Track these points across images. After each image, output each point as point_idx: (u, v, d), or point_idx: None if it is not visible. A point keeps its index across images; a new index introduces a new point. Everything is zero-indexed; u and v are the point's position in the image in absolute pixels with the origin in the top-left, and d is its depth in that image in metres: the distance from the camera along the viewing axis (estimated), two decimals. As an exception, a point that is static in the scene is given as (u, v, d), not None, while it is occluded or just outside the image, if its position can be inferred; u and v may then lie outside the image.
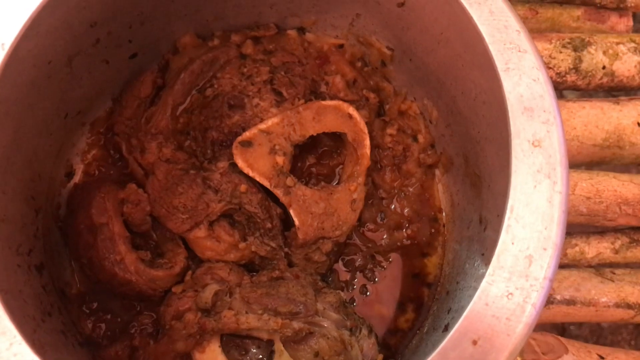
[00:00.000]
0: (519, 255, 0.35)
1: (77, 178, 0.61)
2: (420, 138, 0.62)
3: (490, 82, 0.43)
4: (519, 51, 0.38)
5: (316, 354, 0.52)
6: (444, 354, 0.34)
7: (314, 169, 0.63)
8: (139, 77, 0.61)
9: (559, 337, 0.65)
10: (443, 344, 0.34)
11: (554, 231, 0.36)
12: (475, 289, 0.45)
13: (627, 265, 0.69)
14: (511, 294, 0.35)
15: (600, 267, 0.69)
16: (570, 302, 0.66)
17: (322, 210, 0.58)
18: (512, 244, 0.35)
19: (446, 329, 0.52)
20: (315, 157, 0.63)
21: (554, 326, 0.67)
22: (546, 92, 0.38)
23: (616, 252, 0.69)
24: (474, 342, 0.34)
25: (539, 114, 0.37)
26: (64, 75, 0.52)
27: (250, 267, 0.59)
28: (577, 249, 0.69)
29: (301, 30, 0.63)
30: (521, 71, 0.38)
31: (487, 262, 0.46)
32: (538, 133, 0.37)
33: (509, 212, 0.36)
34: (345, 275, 0.62)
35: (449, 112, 0.57)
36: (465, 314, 0.35)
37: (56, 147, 0.57)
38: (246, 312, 0.54)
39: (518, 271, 0.35)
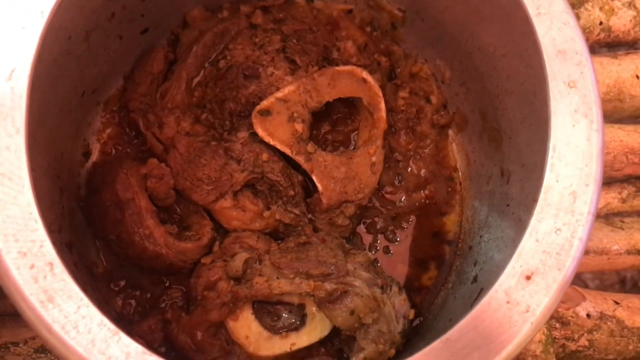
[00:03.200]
0: (564, 192, 0.37)
1: (94, 157, 0.60)
2: (433, 99, 0.63)
3: (515, 31, 0.44)
4: (549, -4, 0.39)
5: (352, 312, 0.53)
6: (499, 288, 0.35)
7: (329, 136, 0.64)
8: (150, 53, 0.60)
9: (576, 287, 0.67)
10: (499, 280, 0.35)
11: (594, 168, 0.37)
12: (505, 239, 0.46)
13: (635, 213, 0.71)
14: (559, 229, 0.36)
15: (610, 217, 0.71)
16: (584, 251, 0.68)
17: (343, 175, 0.59)
18: (557, 181, 0.37)
19: (475, 280, 0.54)
20: (329, 124, 0.64)
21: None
22: (577, 35, 0.39)
23: (623, 201, 0.71)
24: (527, 278, 0.35)
25: (571, 56, 0.39)
26: (82, 51, 0.51)
27: (275, 235, 0.60)
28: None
29: (310, -3, 0.63)
30: (552, 16, 0.39)
31: (516, 211, 0.47)
32: (572, 74, 0.38)
33: (551, 151, 0.37)
34: (367, 238, 0.63)
35: (463, 70, 0.58)
36: (517, 250, 0.36)
37: (74, 126, 0.57)
38: (277, 278, 0.55)
39: (564, 207, 0.36)
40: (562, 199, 0.37)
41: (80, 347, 0.33)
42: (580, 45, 0.39)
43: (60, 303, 0.33)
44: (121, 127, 0.61)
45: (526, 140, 0.48)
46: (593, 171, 0.37)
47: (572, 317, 0.63)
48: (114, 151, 0.61)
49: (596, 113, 0.38)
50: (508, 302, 0.35)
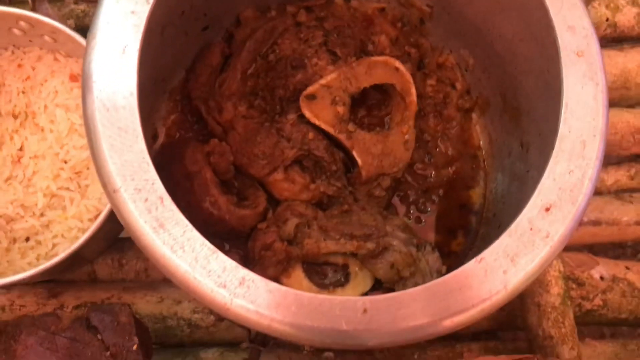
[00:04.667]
0: (575, 140, 0.44)
1: (161, 140, 0.69)
2: (458, 85, 0.71)
3: (531, 16, 0.52)
4: (559, -18, 0.47)
5: (392, 266, 0.61)
6: (523, 217, 0.43)
7: (365, 120, 0.72)
8: (209, 48, 0.69)
9: (589, 254, 0.74)
10: (522, 212, 0.43)
11: (600, 121, 0.45)
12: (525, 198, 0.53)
13: (643, 189, 0.78)
14: (572, 171, 0.44)
15: (619, 192, 0.78)
16: (596, 222, 0.75)
17: (380, 151, 0.66)
18: (569, 132, 0.44)
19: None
20: (365, 110, 0.72)
21: (584, 249, 0.77)
22: (584, 14, 0.47)
23: (632, 178, 0.78)
24: (547, 209, 0.43)
25: (579, 31, 0.46)
26: (158, 43, 0.60)
27: (320, 206, 0.68)
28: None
29: (346, -2, 0.71)
30: (562, -2, 0.47)
31: (535, 174, 0.55)
32: (580, 45, 0.46)
33: (564, 108, 0.45)
34: (401, 209, 0.70)
35: (485, 58, 0.66)
36: (538, 186, 0.43)
37: (147, 111, 0.65)
38: (324, 239, 0.63)
39: (576, 153, 0.44)
40: (574, 146, 0.44)
41: (186, 263, 0.41)
42: (586, 22, 0.47)
43: (170, 228, 0.41)
44: (183, 113, 0.70)
45: (542, 112, 0.56)
46: (599, 124, 0.45)
47: (587, 278, 0.70)
48: (177, 135, 0.70)
49: (601, 77, 0.46)
50: (531, 229, 0.43)
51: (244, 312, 0.40)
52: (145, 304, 0.67)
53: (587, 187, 0.44)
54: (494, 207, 0.68)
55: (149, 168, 0.42)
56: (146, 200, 0.41)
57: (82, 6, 0.75)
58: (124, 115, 0.43)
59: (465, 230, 0.70)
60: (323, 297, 0.41)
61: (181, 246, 0.41)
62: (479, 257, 0.42)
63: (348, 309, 0.41)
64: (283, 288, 0.41)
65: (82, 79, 0.44)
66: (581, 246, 0.76)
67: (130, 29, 0.45)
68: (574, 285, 0.69)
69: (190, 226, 0.42)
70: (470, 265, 0.42)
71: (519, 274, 0.42)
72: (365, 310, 0.41)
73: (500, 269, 0.42)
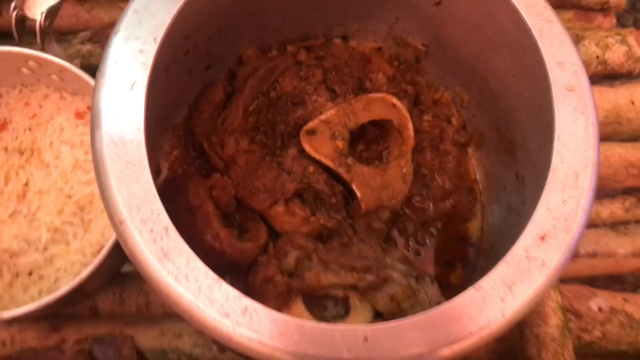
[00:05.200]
0: (568, 171, 0.46)
1: (163, 175, 0.70)
2: (454, 121, 0.73)
3: (523, 54, 0.54)
4: (548, 21, 0.49)
5: (392, 298, 0.61)
6: (519, 246, 0.44)
7: (364, 154, 0.73)
8: (212, 85, 0.71)
9: (586, 285, 0.75)
10: (518, 241, 0.44)
11: (592, 153, 0.46)
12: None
13: (638, 220, 0.79)
14: (565, 200, 0.45)
15: (615, 225, 0.80)
16: (593, 255, 0.76)
17: (378, 184, 0.68)
18: (562, 163, 0.46)
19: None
20: (364, 144, 0.74)
21: (582, 282, 0.77)
22: (573, 51, 0.49)
23: (627, 210, 0.79)
24: (542, 238, 0.44)
25: (569, 67, 0.48)
26: (163, 81, 0.61)
27: (320, 238, 0.68)
28: (592, 211, 0.79)
29: (345, 38, 0.74)
30: (552, 36, 0.49)
31: (530, 206, 0.56)
32: (571, 80, 0.48)
33: (556, 140, 0.46)
34: (400, 242, 0.71)
35: (479, 93, 0.68)
36: (533, 216, 0.45)
37: (150, 147, 0.66)
38: (325, 271, 0.64)
39: (569, 184, 0.45)
40: (567, 177, 0.46)
41: (190, 292, 0.42)
42: (575, 58, 0.49)
43: (174, 258, 0.42)
44: (186, 149, 0.71)
45: (536, 145, 0.57)
46: (591, 155, 0.46)
47: (585, 310, 0.71)
48: (180, 170, 0.71)
49: (591, 111, 0.47)
50: (527, 258, 0.44)
51: (246, 342, 0.41)
52: (147, 338, 0.67)
53: (580, 216, 0.45)
54: (491, 239, 0.69)
55: (155, 199, 0.43)
56: (151, 230, 0.42)
57: (88, 46, 0.78)
58: (131, 149, 0.44)
59: (463, 263, 0.71)
60: (325, 326, 0.42)
61: (185, 276, 0.42)
62: (477, 285, 0.43)
63: (349, 338, 0.41)
64: (285, 317, 0.42)
65: (91, 115, 0.46)
66: (580, 280, 0.77)
67: (138, 67, 0.47)
68: (572, 317, 0.70)
69: (194, 256, 0.43)
70: (469, 294, 0.43)
71: (517, 302, 0.43)
72: (366, 339, 0.41)
73: (498, 297, 0.43)
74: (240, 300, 0.42)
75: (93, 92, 0.47)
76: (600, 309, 0.71)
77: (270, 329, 0.41)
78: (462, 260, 0.71)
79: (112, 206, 0.43)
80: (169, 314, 0.71)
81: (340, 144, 0.67)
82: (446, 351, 0.42)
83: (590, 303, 0.71)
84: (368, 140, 0.74)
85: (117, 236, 0.44)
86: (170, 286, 0.42)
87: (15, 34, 0.63)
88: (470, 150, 0.74)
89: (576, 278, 0.77)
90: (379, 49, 0.74)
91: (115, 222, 0.43)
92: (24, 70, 0.68)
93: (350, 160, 0.67)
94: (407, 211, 0.72)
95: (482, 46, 0.62)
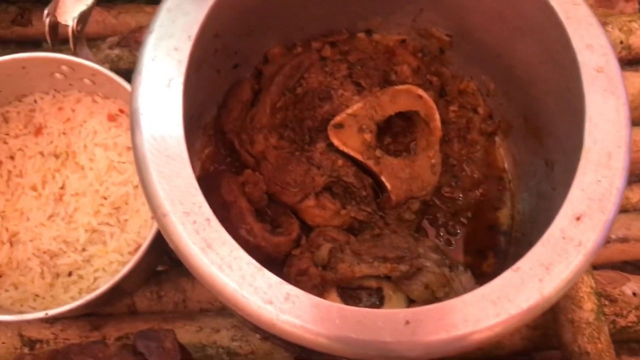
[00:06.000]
0: (601, 152, 0.46)
1: (196, 173, 0.71)
2: (480, 110, 0.73)
3: (549, 38, 0.54)
4: (574, 4, 0.50)
5: (426, 286, 0.62)
6: (555, 227, 0.44)
7: (391, 146, 0.74)
8: (239, 84, 0.72)
9: (619, 271, 0.75)
10: (554, 222, 0.45)
11: (623, 132, 0.46)
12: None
13: (668, 205, 0.79)
14: (599, 181, 0.45)
15: (645, 209, 0.79)
16: (624, 239, 0.76)
17: (408, 175, 0.68)
18: (594, 144, 0.46)
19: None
20: (391, 137, 0.74)
21: (613, 268, 0.77)
22: (600, 33, 0.49)
23: (657, 195, 0.79)
24: (578, 219, 0.44)
25: (597, 49, 0.49)
26: (194, 80, 0.62)
27: (351, 231, 0.69)
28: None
29: (369, 32, 0.75)
30: (579, 18, 0.49)
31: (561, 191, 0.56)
32: (600, 62, 0.48)
33: (587, 122, 0.47)
34: (431, 232, 0.72)
35: (505, 81, 0.68)
36: (567, 197, 0.45)
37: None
38: (358, 263, 0.64)
39: (602, 164, 0.46)
40: (600, 157, 0.46)
41: (234, 281, 0.43)
42: (604, 40, 0.49)
43: (217, 248, 0.43)
44: (217, 147, 0.73)
45: (565, 130, 0.58)
46: (623, 135, 0.46)
47: (619, 295, 0.71)
48: (212, 168, 0.72)
49: (622, 91, 0.48)
50: (564, 238, 0.44)
51: (290, 327, 0.42)
52: (185, 334, 0.69)
53: (615, 195, 0.45)
54: (522, 227, 0.69)
55: (197, 192, 0.45)
56: (194, 222, 0.44)
57: (117, 51, 0.80)
58: (171, 144, 0.45)
59: (495, 251, 0.71)
60: (366, 310, 0.43)
61: (228, 265, 0.43)
62: (515, 267, 0.44)
63: (390, 321, 0.42)
64: (327, 302, 0.43)
65: (130, 112, 0.47)
66: (611, 265, 0.77)
67: (174, 64, 0.48)
68: (606, 302, 0.70)
69: (236, 245, 0.44)
70: (507, 275, 0.44)
71: (555, 282, 0.43)
72: (407, 322, 0.42)
73: (536, 277, 0.43)
74: (283, 287, 0.43)
75: (131, 90, 0.48)
76: (634, 294, 0.71)
77: (312, 314, 0.42)
78: (494, 248, 0.71)
79: (155, 200, 0.45)
80: (206, 310, 0.72)
81: (368, 136, 0.68)
82: (487, 333, 0.42)
83: (624, 288, 0.71)
84: (395, 132, 0.74)
85: (160, 229, 0.45)
86: (214, 275, 0.43)
87: (48, 40, 0.65)
88: (497, 139, 0.74)
89: (608, 263, 0.77)
90: (403, 41, 0.74)
91: (158, 215, 0.45)
92: (57, 75, 0.69)
93: (378, 152, 0.68)
94: (437, 202, 0.73)
95: (507, 33, 0.62)
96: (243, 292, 0.42)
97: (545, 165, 0.64)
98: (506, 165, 0.73)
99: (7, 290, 0.67)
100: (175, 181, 0.44)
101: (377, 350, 0.42)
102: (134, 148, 0.46)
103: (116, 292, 0.66)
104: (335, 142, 0.67)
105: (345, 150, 0.67)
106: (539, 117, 0.64)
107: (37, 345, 0.68)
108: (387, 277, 0.64)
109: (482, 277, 0.70)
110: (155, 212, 0.45)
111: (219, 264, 0.43)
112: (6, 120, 0.72)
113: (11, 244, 0.68)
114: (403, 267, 0.63)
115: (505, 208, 0.72)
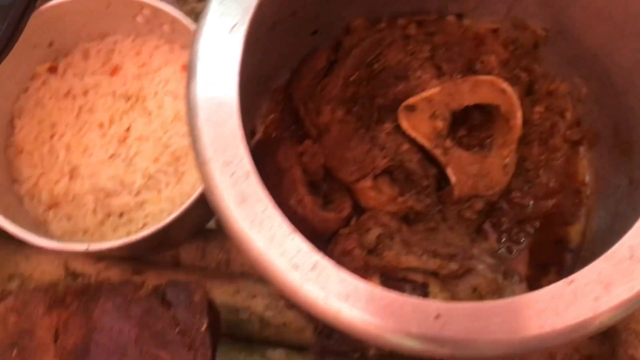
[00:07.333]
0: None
1: (258, 136, 0.70)
2: (568, 115, 0.68)
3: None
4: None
5: (474, 290, 0.58)
6: (623, 244, 0.39)
7: (464, 140, 0.69)
8: (315, 52, 0.70)
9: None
10: (623, 238, 0.40)
11: None
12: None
13: None
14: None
15: None
16: None
17: (476, 171, 0.64)
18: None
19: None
20: (466, 130, 0.70)
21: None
22: None
23: None
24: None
25: None
26: (266, 40, 0.61)
27: (405, 220, 0.66)
28: None
29: (459, 16, 0.70)
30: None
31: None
32: None
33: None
34: (492, 236, 0.67)
35: (600, 87, 0.62)
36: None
37: (248, 107, 0.66)
38: (406, 253, 0.61)
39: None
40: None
41: (261, 241, 0.41)
42: None
43: (251, 204, 0.41)
44: (282, 113, 0.71)
45: (659, 145, 0.52)
46: None
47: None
48: (274, 134, 0.71)
49: None
50: (631, 257, 0.39)
51: (312, 298, 0.40)
52: (221, 293, 0.68)
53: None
54: (592, 246, 0.63)
55: (241, 144, 0.43)
56: (233, 174, 0.42)
57: (203, 4, 0.79)
58: (224, 90, 0.44)
59: (558, 268, 0.66)
60: (396, 295, 0.40)
61: (260, 222, 0.41)
62: (568, 279, 0.39)
63: (420, 312, 0.39)
64: (355, 279, 0.40)
65: (189, 56, 0.46)
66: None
67: (241, 10, 0.46)
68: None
69: (271, 204, 0.42)
70: (559, 286, 0.39)
71: (612, 303, 0.38)
72: (438, 316, 0.39)
73: (592, 294, 0.38)
74: (311, 255, 0.40)
75: (194, 31, 0.47)
76: None
77: (338, 288, 0.39)
78: (558, 264, 0.66)
79: (199, 146, 0.43)
80: (247, 273, 0.71)
81: (440, 124, 0.64)
82: (525, 344, 0.38)
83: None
84: (471, 125, 0.70)
85: (200, 177, 0.44)
86: (244, 231, 0.41)
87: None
88: (582, 149, 0.68)
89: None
90: (495, 30, 0.69)
91: (199, 162, 0.43)
92: (139, 18, 0.70)
93: (448, 142, 0.64)
94: (504, 205, 0.68)
95: (610, 34, 0.57)
96: (270, 252, 0.40)
97: (629, 184, 0.58)
98: (587, 179, 0.67)
99: (59, 221, 0.68)
100: (221, 129, 0.43)
101: (401, 340, 0.39)
102: (187, 88, 0.45)
103: (162, 239, 0.66)
104: (404, 124, 0.64)
105: (413, 135, 0.64)
106: (631, 131, 0.58)
107: (79, 279, 0.69)
108: (435, 274, 0.60)
109: (539, 293, 0.65)
110: (197, 158, 0.43)
111: (251, 220, 0.41)
112: (86, 57, 0.73)
113: (70, 177, 0.69)
114: (453, 266, 0.59)
115: (577, 224, 0.66)
